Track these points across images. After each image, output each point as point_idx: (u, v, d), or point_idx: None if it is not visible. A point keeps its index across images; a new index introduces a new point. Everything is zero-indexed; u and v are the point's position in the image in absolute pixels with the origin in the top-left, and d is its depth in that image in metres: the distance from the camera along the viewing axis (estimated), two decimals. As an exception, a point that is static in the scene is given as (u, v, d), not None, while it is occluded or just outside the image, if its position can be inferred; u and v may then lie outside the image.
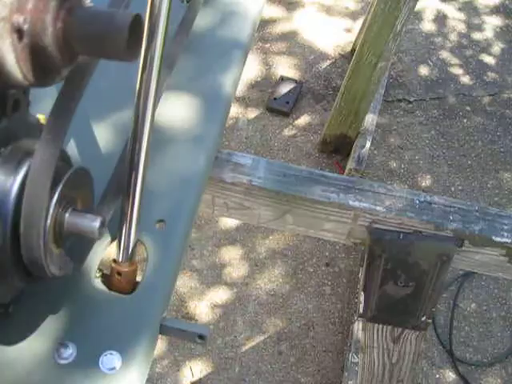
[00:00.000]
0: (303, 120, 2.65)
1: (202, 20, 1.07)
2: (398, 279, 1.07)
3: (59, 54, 0.60)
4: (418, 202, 0.98)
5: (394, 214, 0.98)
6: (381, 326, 1.23)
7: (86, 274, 0.89)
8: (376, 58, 2.20)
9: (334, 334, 2.14)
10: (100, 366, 0.80)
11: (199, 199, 0.93)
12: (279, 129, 2.62)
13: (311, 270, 2.27)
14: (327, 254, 2.30)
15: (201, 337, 0.89)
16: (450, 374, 2.13)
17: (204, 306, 2.16)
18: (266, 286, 2.23)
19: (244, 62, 1.05)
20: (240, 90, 2.74)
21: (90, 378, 0.80)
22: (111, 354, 0.82)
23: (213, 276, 2.23)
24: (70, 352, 0.82)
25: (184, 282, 2.20)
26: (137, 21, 0.60)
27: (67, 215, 0.70)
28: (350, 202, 0.97)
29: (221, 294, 2.21)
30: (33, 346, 0.82)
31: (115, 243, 0.89)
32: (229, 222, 2.33)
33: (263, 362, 2.10)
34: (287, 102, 2.67)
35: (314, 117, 2.66)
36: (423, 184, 2.49)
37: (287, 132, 2.62)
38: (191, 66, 1.01)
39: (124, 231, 0.87)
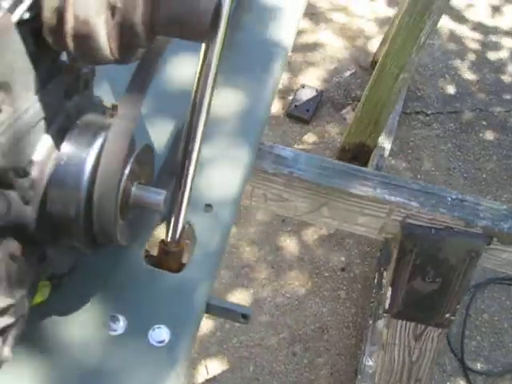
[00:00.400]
0: (322, 128, 2.71)
1: (246, 22, 1.12)
2: (427, 275, 1.11)
3: (144, 34, 0.65)
4: (450, 199, 1.03)
5: (426, 210, 1.02)
6: (404, 322, 1.27)
7: (135, 251, 0.93)
8: (398, 70, 2.25)
9: (348, 337, 2.18)
10: (149, 338, 0.85)
11: (243, 187, 0.98)
12: (299, 135, 2.67)
13: (327, 275, 2.31)
14: (343, 259, 2.34)
15: (244, 316, 0.93)
16: (461, 382, 2.16)
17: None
18: (283, 289, 2.27)
19: (284, 65, 1.11)
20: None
21: (139, 350, 0.84)
22: (159, 327, 0.86)
23: (230, 276, 2.27)
24: (120, 324, 0.86)
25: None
26: (219, 6, 0.65)
27: (134, 188, 0.75)
28: (386, 197, 1.01)
29: (237, 294, 2.24)
30: (85, 318, 0.86)
31: (163, 224, 0.94)
32: (247, 224, 2.38)
33: (277, 362, 2.14)
34: (307, 110, 2.73)
35: (333, 125, 2.71)
36: (439, 195, 2.53)
37: (306, 139, 2.67)
38: (238, 63, 1.06)
39: (174, 213, 0.91)
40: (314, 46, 3.00)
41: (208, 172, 0.99)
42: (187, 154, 0.88)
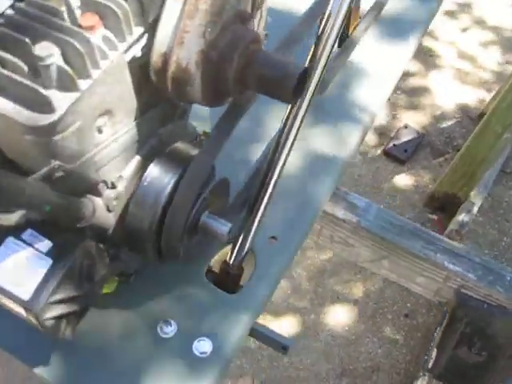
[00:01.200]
0: (417, 171, 2.70)
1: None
2: (473, 346, 1.12)
3: (234, 85, 0.73)
4: (509, 278, 1.03)
5: (483, 285, 1.04)
6: (445, 386, 1.28)
7: (198, 267, 1.02)
8: (503, 128, 2.21)
9: (397, 383, 2.17)
10: (193, 348, 0.93)
11: (311, 225, 1.04)
12: (392, 174, 2.68)
13: (389, 317, 2.31)
14: (409, 305, 2.33)
15: (284, 348, 0.99)
16: None
17: (277, 326, 2.26)
18: (342, 321, 2.29)
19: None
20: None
21: (183, 356, 0.92)
22: (204, 340, 0.94)
23: (289, 302, 2.33)
24: (171, 329, 0.95)
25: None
26: (305, 72, 0.72)
27: (204, 216, 0.83)
28: (445, 264, 1.04)
29: (298, 318, 2.30)
30: (141, 316, 0.96)
31: (229, 246, 1.02)
32: (318, 255, 2.42)
33: (322, 390, 2.17)
34: (405, 151, 2.73)
35: (428, 170, 2.70)
36: (522, 262, 2.46)
37: (399, 179, 2.67)
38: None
39: (241, 239, 0.99)
40: (424, 89, 2.99)
41: (280, 205, 1.06)
42: (264, 187, 0.95)
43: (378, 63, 1.24)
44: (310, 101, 0.83)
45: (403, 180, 2.68)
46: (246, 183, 1.02)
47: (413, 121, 2.87)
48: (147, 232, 0.79)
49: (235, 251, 1.00)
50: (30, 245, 0.77)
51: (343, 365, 2.22)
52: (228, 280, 1.02)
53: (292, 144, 0.89)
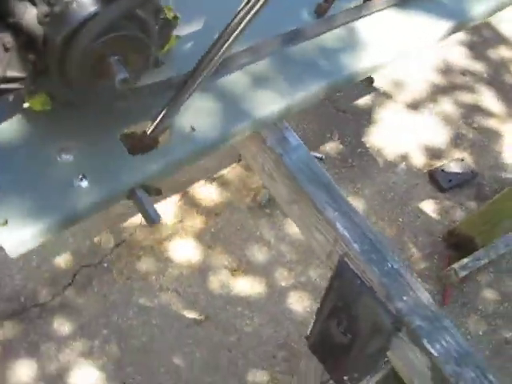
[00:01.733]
0: (452, 204, 2.62)
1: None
2: (341, 323, 1.12)
3: None
4: (390, 265, 1.02)
5: (363, 259, 1.02)
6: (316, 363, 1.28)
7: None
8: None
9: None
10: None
11: (235, 133, 1.09)
12: (425, 196, 2.63)
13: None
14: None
15: (152, 221, 1.05)
16: None
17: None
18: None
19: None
20: (417, 147, 2.78)
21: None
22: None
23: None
24: (67, 157, 1.04)
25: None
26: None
27: (112, 58, 0.91)
28: (337, 224, 1.03)
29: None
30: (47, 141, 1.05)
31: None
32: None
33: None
34: (450, 180, 2.65)
35: (463, 209, 2.61)
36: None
37: (429, 203, 2.61)
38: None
39: (163, 113, 1.05)
40: (498, 133, 2.88)
41: (213, 100, 1.11)
42: (197, 73, 1.00)
43: (387, 32, 1.25)
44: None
45: (434, 206, 2.61)
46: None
47: (473, 158, 2.78)
48: (59, 45, 0.88)
49: (155, 124, 1.06)
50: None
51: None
52: (139, 147, 1.09)
53: (232, 41, 0.94)
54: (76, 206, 1.01)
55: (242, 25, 0.96)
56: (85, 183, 1.02)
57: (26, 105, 1.06)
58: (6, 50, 0.89)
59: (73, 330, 2.22)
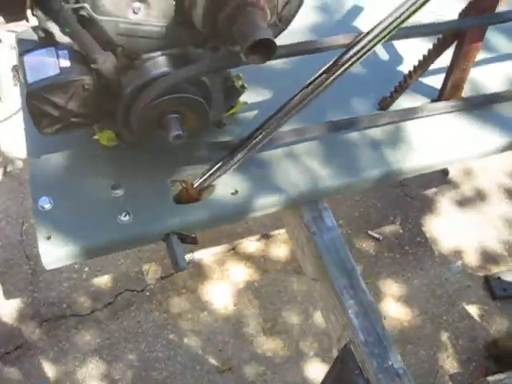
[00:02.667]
0: (500, 312, 2.54)
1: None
2: None
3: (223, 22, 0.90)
4: (390, 363, 1.03)
5: (365, 351, 1.04)
6: None
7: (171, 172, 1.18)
8: None
9: None
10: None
11: (273, 205, 1.16)
12: (476, 300, 2.56)
13: None
14: None
15: (178, 268, 1.11)
16: None
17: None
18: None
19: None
20: (477, 247, 2.73)
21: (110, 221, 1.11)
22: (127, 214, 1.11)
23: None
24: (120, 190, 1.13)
25: None
26: (268, 41, 0.85)
27: (169, 114, 1.01)
28: (349, 311, 1.06)
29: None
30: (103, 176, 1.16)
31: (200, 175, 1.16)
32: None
33: None
34: (504, 290, 2.58)
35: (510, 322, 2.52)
36: None
37: (479, 308, 2.54)
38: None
39: (210, 173, 1.14)
40: None
41: (258, 169, 1.18)
42: (251, 142, 1.08)
43: (442, 135, 1.29)
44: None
45: (482, 312, 2.54)
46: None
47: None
48: (128, 94, 0.99)
49: (203, 178, 1.15)
50: (57, 57, 1.01)
51: None
52: (184, 197, 1.18)
53: (286, 116, 1.02)
54: (114, 238, 1.10)
55: (300, 105, 1.04)
56: (127, 219, 1.11)
57: (95, 137, 1.17)
58: (85, 90, 1.00)
59: (101, 347, 2.31)
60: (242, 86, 1.16)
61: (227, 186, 1.16)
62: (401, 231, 2.75)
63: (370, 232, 2.72)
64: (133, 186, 1.15)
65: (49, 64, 0.98)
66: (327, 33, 1.41)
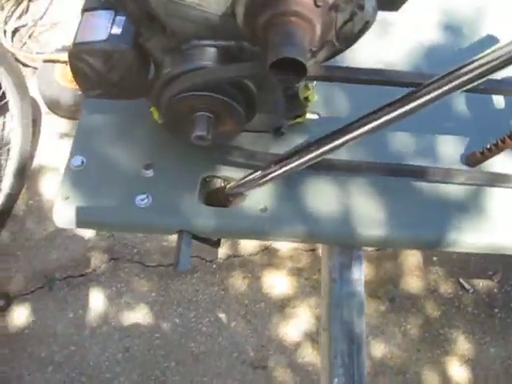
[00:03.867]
0: None
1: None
2: None
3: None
4: None
5: None
6: None
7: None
8: None
9: None
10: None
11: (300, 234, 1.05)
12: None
13: None
14: None
15: (176, 268, 1.05)
16: None
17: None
18: None
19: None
20: None
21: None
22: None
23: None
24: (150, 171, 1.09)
25: None
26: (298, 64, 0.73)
27: (199, 112, 0.93)
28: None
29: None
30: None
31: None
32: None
33: None
34: None
35: None
36: None
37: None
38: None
39: (245, 182, 1.05)
40: None
41: (294, 191, 1.07)
42: (300, 155, 0.97)
43: None
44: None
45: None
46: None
47: None
48: (162, 80, 0.92)
49: (237, 184, 1.06)
50: (112, 22, 0.96)
51: None
52: (214, 198, 1.10)
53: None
54: (126, 219, 1.06)
55: (353, 135, 0.92)
56: (144, 202, 1.06)
57: (151, 109, 1.13)
58: (126, 62, 0.95)
59: (154, 301, 2.35)
60: (307, 99, 1.05)
61: (259, 200, 1.07)
62: (495, 290, 2.48)
63: (461, 280, 2.47)
64: (164, 170, 1.09)
65: (101, 27, 0.94)
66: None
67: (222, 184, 1.10)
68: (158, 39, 0.91)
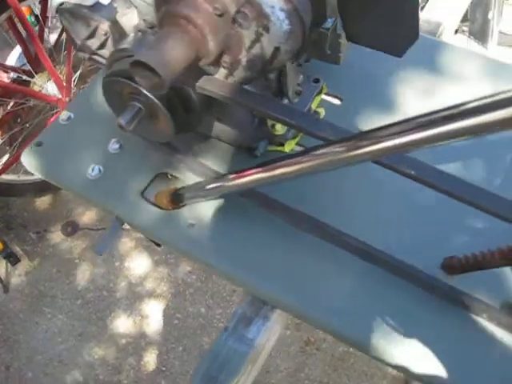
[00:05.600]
0: None
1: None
2: None
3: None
4: None
5: None
6: None
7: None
8: None
9: None
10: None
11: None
12: None
13: None
14: None
15: (96, 251, 1.05)
16: None
17: None
18: None
19: None
20: None
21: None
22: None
23: None
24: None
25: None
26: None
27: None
28: None
29: None
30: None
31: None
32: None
33: None
34: None
35: None
36: None
37: None
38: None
39: (185, 191, 1.01)
40: None
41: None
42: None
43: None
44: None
45: None
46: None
47: None
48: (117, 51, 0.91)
49: (178, 190, 1.02)
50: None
51: None
52: (159, 197, 1.06)
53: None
54: (76, 186, 1.07)
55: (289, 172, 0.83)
56: (95, 175, 1.06)
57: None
58: (104, 35, 0.97)
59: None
60: (273, 127, 0.98)
61: (193, 214, 1.02)
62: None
63: None
64: (128, 153, 1.09)
65: (91, -4, 0.96)
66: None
67: (172, 188, 1.07)
68: (128, 18, 0.91)
